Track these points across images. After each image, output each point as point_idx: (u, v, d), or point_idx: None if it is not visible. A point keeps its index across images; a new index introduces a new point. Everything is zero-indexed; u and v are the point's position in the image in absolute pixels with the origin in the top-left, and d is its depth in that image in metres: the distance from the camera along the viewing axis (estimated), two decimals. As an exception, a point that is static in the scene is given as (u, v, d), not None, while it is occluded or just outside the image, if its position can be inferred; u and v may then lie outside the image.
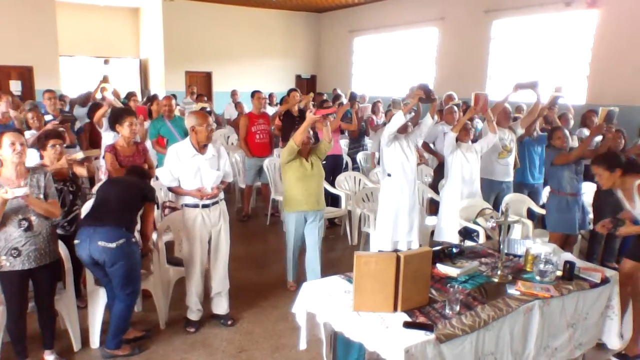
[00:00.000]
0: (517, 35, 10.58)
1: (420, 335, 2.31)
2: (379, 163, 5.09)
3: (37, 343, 3.38)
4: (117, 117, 4.28)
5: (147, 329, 3.77)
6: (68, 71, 14.06)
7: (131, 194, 3.51)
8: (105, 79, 9.52)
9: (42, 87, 9.57)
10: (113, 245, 3.19)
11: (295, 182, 4.29)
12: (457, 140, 4.98)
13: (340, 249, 5.93)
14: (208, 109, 9.13)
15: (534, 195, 5.44)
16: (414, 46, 13.18)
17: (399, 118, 4.60)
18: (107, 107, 5.68)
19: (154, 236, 4.34)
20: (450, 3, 11.79)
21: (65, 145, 5.70)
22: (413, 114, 5.61)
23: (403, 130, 4.80)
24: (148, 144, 5.48)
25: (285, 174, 4.36)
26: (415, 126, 5.03)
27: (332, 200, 6.31)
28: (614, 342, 3.21)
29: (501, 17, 10.65)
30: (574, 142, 5.64)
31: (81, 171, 3.93)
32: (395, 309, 2.53)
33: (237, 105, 10.08)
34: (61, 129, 5.17)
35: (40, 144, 3.76)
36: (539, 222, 5.52)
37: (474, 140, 5.19)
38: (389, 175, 4.83)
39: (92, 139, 6.38)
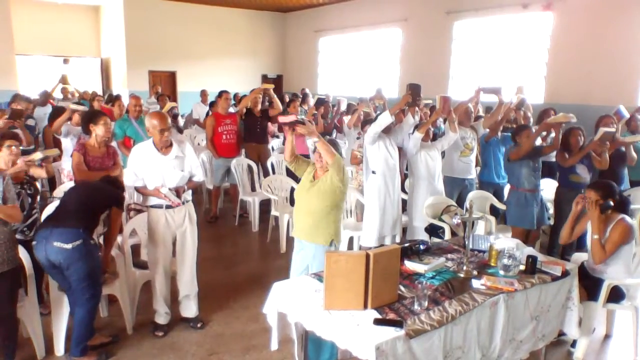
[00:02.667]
0: (478, 36, 10.85)
1: (390, 332, 2.35)
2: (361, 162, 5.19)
3: (-3, 353, 3.27)
4: (91, 117, 4.18)
5: (114, 335, 3.69)
6: (25, 70, 13.60)
7: (94, 196, 3.44)
8: (64, 79, 9.25)
9: (-2, 88, 9.24)
10: (69, 246, 3.10)
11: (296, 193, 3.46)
12: None
13: (309, 248, 5.94)
14: (175, 112, 8.98)
15: (499, 193, 5.59)
16: (379, 46, 13.34)
17: (386, 119, 4.67)
18: (68, 115, 5.47)
19: (119, 239, 4.27)
20: (413, 4, 11.99)
21: (21, 147, 5.53)
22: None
23: (386, 130, 4.89)
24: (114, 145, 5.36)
25: None
26: (397, 125, 5.12)
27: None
28: (574, 332, 3.33)
29: (462, 19, 10.90)
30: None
31: (39, 172, 3.80)
32: (365, 307, 2.56)
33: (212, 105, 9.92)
34: (14, 127, 4.99)
35: None
36: (502, 218, 5.68)
37: (434, 139, 5.36)
38: (373, 172, 4.91)
39: (55, 144, 6.21)
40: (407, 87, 4.89)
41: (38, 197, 3.84)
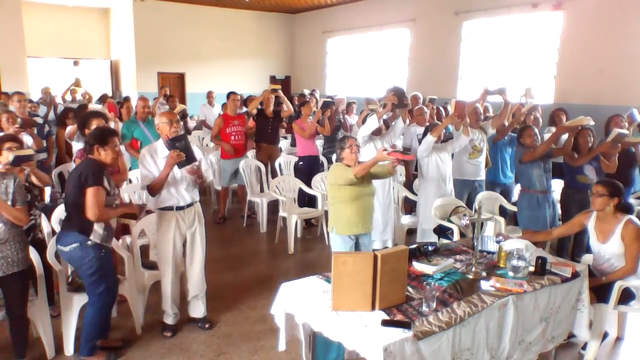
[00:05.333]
0: (487, 36, 10.79)
1: (398, 333, 2.34)
2: None
3: (8, 353, 3.29)
4: (84, 122, 4.18)
5: (124, 339, 3.67)
6: (36, 73, 13.72)
7: (71, 187, 3.23)
8: (77, 83, 9.34)
9: (9, 90, 9.32)
10: (67, 249, 3.20)
11: (350, 200, 3.77)
12: None
13: (317, 249, 5.95)
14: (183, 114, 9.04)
15: (505, 193, 5.57)
16: (387, 47, 13.31)
17: (373, 123, 4.68)
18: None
19: (128, 240, 4.29)
20: (421, 4, 11.94)
21: (33, 150, 5.54)
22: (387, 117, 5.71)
23: (377, 132, 4.89)
24: (121, 147, 5.37)
25: (337, 191, 3.81)
26: (389, 128, 5.11)
27: (309, 200, 6.33)
28: (584, 334, 3.30)
29: (471, 19, 10.84)
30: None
31: (37, 180, 3.79)
32: (373, 308, 2.55)
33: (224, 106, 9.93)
34: (23, 133, 5.00)
35: None
36: (511, 219, 5.65)
37: (445, 140, 5.32)
38: None
39: (66, 146, 6.25)
40: (389, 92, 4.86)
41: (36, 204, 3.82)
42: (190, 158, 3.51)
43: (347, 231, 3.81)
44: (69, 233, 3.21)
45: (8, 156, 3.43)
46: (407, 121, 5.19)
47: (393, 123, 5.09)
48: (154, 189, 3.57)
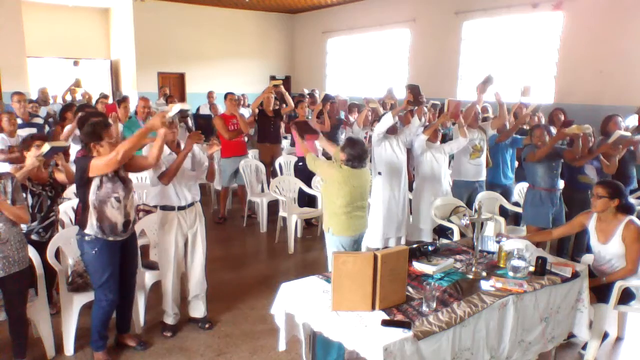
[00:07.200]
0: (487, 36, 10.79)
1: (398, 333, 2.34)
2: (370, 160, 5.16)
3: (8, 353, 3.29)
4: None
5: (141, 342, 3.63)
6: (36, 73, 13.73)
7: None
8: (77, 83, 9.34)
9: (9, 90, 9.34)
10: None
11: None
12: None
13: (317, 249, 5.94)
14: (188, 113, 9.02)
15: (506, 194, 5.56)
16: (387, 47, 13.31)
17: (388, 120, 4.68)
18: (75, 126, 5.24)
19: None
20: (421, 4, 11.95)
21: None
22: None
23: (393, 130, 4.89)
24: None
25: None
26: (405, 126, 5.11)
27: (309, 200, 6.33)
28: (584, 334, 3.30)
29: (471, 19, 10.84)
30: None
31: (62, 177, 3.81)
32: (373, 308, 2.55)
33: (212, 106, 9.98)
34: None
35: (25, 145, 3.68)
36: (512, 219, 5.65)
37: (444, 141, 5.32)
38: (379, 173, 4.92)
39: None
40: (406, 89, 4.90)
41: (59, 200, 3.86)
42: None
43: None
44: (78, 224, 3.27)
45: (44, 146, 3.44)
46: (423, 119, 5.18)
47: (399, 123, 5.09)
48: (169, 175, 3.53)
